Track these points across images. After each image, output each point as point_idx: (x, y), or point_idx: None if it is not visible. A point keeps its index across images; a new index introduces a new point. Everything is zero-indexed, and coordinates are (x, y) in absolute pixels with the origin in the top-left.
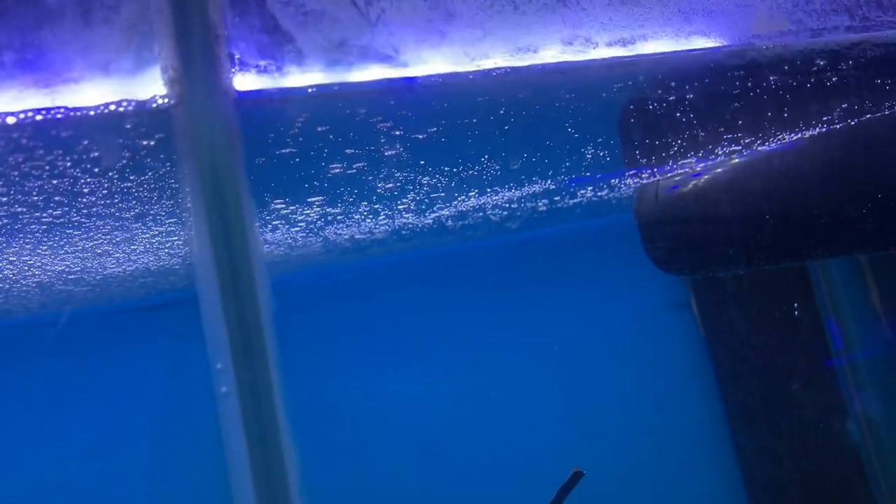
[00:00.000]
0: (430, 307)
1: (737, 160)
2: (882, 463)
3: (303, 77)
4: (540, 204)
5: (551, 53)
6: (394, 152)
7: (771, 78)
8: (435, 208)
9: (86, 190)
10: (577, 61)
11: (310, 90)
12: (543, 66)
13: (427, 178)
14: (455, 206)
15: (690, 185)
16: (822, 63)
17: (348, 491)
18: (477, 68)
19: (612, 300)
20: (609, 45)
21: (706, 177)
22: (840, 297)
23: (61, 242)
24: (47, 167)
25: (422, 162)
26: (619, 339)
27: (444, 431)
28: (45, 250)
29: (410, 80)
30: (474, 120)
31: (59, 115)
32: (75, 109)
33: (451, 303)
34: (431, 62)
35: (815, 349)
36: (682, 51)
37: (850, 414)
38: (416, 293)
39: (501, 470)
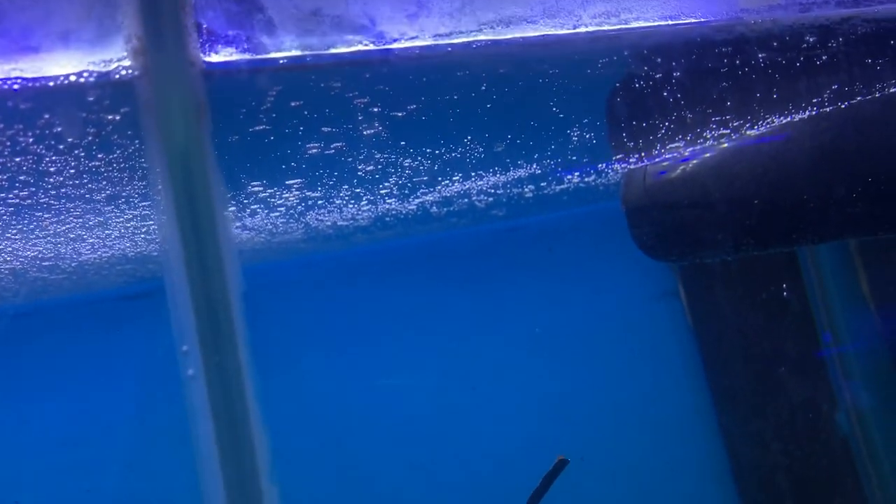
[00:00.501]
0: (415, 296)
1: (725, 145)
2: (870, 452)
3: (274, 48)
4: (526, 190)
5: (533, 26)
6: (372, 131)
7: (759, 55)
8: (418, 193)
9: (52, 169)
10: (561, 34)
11: (281, 62)
12: (525, 38)
13: (409, 161)
14: (439, 192)
15: (678, 170)
16: (811, 40)
17: (322, 477)
18: (456, 41)
19: (600, 289)
20: (593, 17)
21: (694, 162)
22: (829, 286)
23: (31, 226)
24: (8, 143)
25: (402, 143)
26: (606, 327)
27: (427, 421)
28: (15, 234)
29: (387, 52)
30: (455, 97)
31: (16, 86)
32: (34, 80)
33: (437, 292)
34: (408, 33)
35: (804, 338)
36: (667, 25)
37: (838, 405)
38: (400, 282)
39: (486, 458)
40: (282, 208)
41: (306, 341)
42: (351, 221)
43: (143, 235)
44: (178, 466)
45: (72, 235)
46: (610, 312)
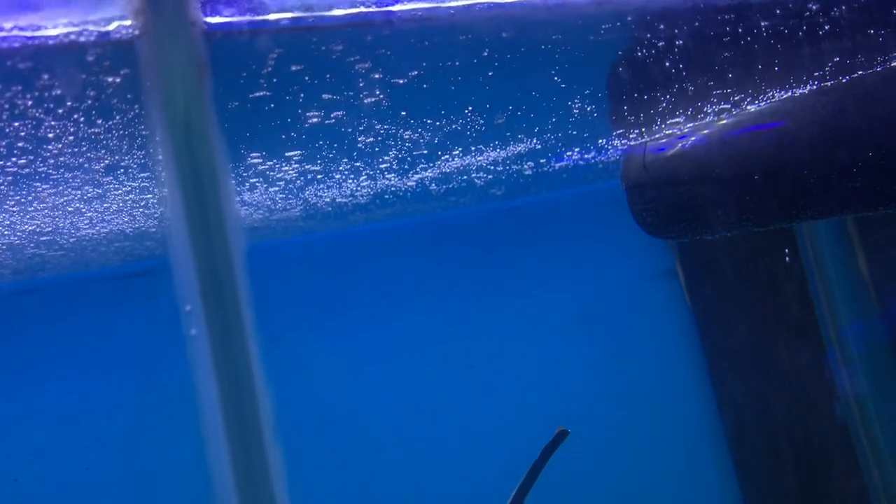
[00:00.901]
0: (413, 275)
1: (725, 121)
2: (868, 430)
3: (275, 8)
4: (525, 167)
5: None
6: (373, 99)
7: (762, 23)
8: (418, 168)
9: (50, 135)
10: None
11: (282, 23)
12: (528, 1)
13: (409, 133)
14: (438, 167)
15: (678, 147)
16: (814, 7)
17: (323, 437)
18: (458, 3)
19: (599, 268)
20: None
21: (694, 138)
22: (826, 264)
23: (29, 198)
24: (7, 105)
25: (403, 113)
26: (605, 306)
27: (427, 396)
28: (13, 206)
29: (388, 14)
30: (457, 63)
31: (16, 45)
32: (34, 38)
33: (435, 271)
34: None
35: (801, 318)
36: None
37: (836, 393)
38: (399, 261)
39: (485, 434)
40: (281, 182)
41: (306, 317)
42: (350, 198)
43: (141, 210)
44: (176, 444)
45: (70, 209)
46: (609, 291)
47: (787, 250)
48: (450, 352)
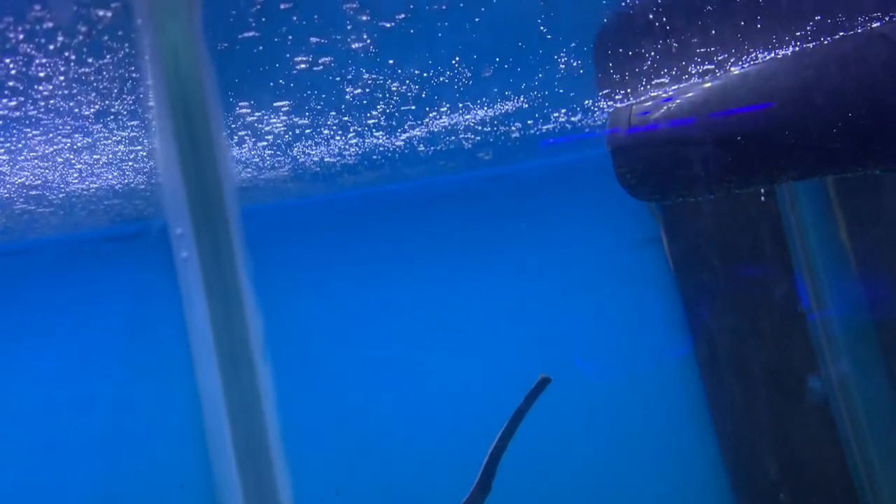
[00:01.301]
0: (401, 241)
1: (709, 84)
2: (850, 409)
3: None
4: (513, 128)
5: None
6: (361, 45)
7: None
8: (406, 126)
9: (41, 74)
10: None
11: None
12: None
13: (397, 85)
14: (427, 126)
15: (663, 109)
16: None
17: (312, 395)
18: None
19: (584, 236)
20: None
21: (678, 101)
22: (808, 232)
23: (19, 145)
24: None
25: (390, 61)
26: (591, 273)
27: (413, 359)
28: (3, 155)
29: None
30: (444, 6)
31: None
32: None
33: (423, 237)
34: None
35: (783, 282)
36: None
37: (817, 370)
38: (387, 227)
39: (471, 395)
40: (269, 137)
41: (294, 281)
42: (338, 158)
43: (131, 164)
44: (164, 404)
45: (60, 159)
46: (594, 259)
47: (770, 222)
48: (436, 317)
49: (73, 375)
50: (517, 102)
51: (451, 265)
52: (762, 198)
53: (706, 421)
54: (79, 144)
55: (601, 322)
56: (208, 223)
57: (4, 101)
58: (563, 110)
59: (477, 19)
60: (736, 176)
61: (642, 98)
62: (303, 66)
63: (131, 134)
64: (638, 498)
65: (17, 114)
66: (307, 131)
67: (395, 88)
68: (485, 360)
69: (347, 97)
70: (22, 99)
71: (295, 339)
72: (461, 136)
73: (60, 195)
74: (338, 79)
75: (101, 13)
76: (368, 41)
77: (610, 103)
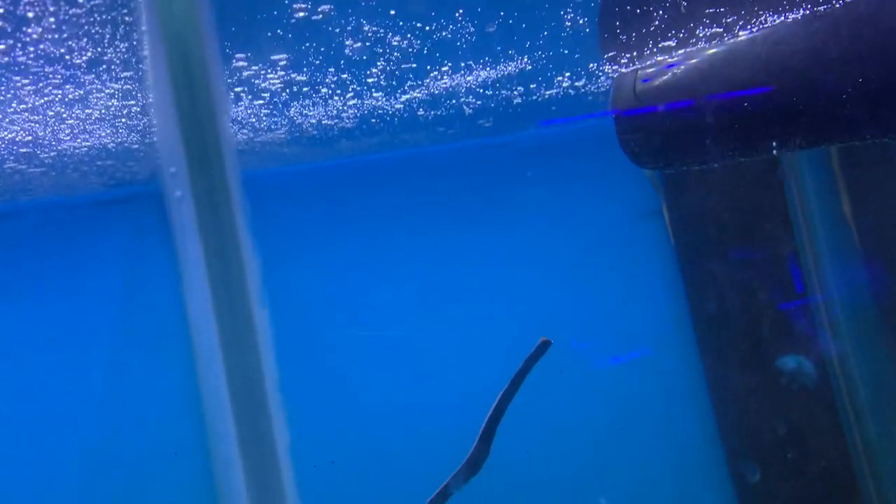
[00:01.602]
0: (400, 210)
1: (716, 49)
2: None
3: None
4: (515, 92)
5: None
6: None
7: None
8: (406, 87)
9: (30, 14)
10: None
11: None
12: None
13: (398, 38)
14: (427, 88)
15: (669, 74)
16: None
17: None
18: None
19: (584, 207)
20: None
21: (685, 66)
22: (811, 207)
23: (8, 95)
24: None
25: (392, 11)
26: (592, 245)
27: (409, 332)
28: None
29: None
30: None
31: None
32: None
33: (419, 207)
34: None
35: (785, 259)
36: None
37: (817, 348)
38: (386, 196)
39: (471, 363)
40: (266, 94)
41: (292, 248)
42: (336, 120)
43: (124, 121)
44: (158, 372)
45: (51, 113)
46: (596, 231)
47: (773, 197)
48: (433, 287)
49: (67, 342)
50: (520, 63)
51: (447, 235)
52: (765, 170)
53: (704, 398)
54: (70, 97)
55: (599, 294)
56: (207, 180)
57: None
58: (567, 74)
59: None
60: (742, 143)
61: (648, 63)
62: (301, 13)
63: (125, 87)
64: (635, 472)
65: (6, 59)
66: (305, 89)
67: (395, 42)
68: (482, 329)
69: (347, 51)
70: (10, 42)
71: (291, 307)
72: (462, 99)
73: (52, 153)
74: (337, 30)
75: None
76: None
77: (615, 67)
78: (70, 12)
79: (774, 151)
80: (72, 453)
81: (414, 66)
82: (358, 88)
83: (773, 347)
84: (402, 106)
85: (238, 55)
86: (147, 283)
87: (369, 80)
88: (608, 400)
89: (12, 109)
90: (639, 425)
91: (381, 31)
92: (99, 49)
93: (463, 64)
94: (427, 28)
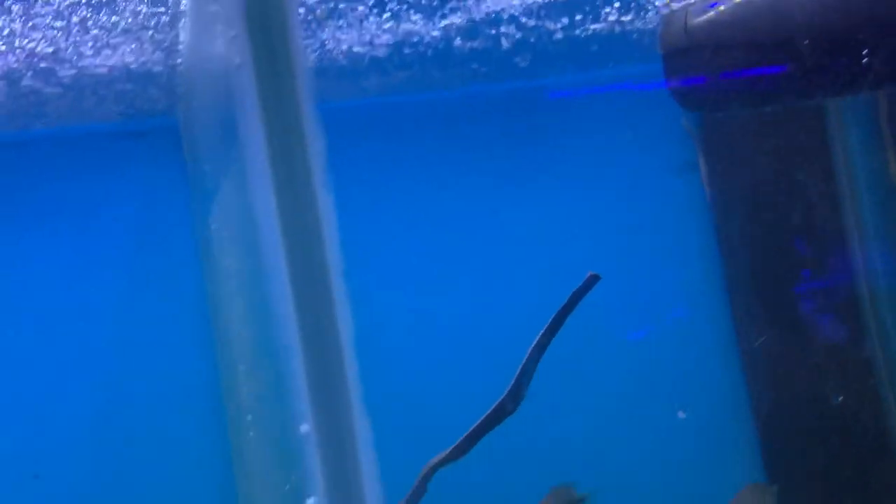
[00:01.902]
0: (428, 158)
1: None
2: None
3: None
4: (558, 25)
5: None
6: None
7: None
8: (446, 9)
9: None
10: None
11: None
12: None
13: None
14: (468, 11)
15: (723, 10)
16: None
17: None
18: None
19: (618, 160)
20: None
21: (741, 1)
22: (856, 168)
23: None
24: None
25: None
26: (624, 200)
27: (435, 289)
28: (13, 4)
29: None
30: None
31: None
32: None
33: (449, 153)
34: None
35: (826, 215)
36: None
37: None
38: (415, 142)
39: (492, 324)
40: (302, 9)
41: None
42: (368, 48)
43: (150, 34)
44: (172, 310)
45: (75, 18)
46: (629, 185)
47: (817, 154)
48: (458, 241)
49: (77, 279)
50: None
51: (476, 187)
52: (809, 122)
53: (735, 363)
54: None
55: (631, 250)
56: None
57: None
58: (616, 4)
59: None
60: (799, 85)
61: None
62: None
63: None
64: (661, 436)
65: None
66: (341, 6)
67: None
68: (511, 286)
69: None
70: None
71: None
72: (502, 29)
73: (71, 71)
74: None
75: None
76: None
77: (665, 2)
78: None
79: (835, 96)
80: (79, 395)
81: None
82: (395, 7)
83: (814, 316)
84: (438, 33)
85: None
86: (163, 223)
87: None
88: (637, 361)
89: (35, 11)
90: (667, 387)
91: None
92: None
93: None
94: None
